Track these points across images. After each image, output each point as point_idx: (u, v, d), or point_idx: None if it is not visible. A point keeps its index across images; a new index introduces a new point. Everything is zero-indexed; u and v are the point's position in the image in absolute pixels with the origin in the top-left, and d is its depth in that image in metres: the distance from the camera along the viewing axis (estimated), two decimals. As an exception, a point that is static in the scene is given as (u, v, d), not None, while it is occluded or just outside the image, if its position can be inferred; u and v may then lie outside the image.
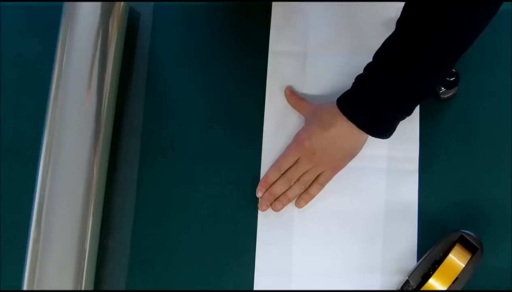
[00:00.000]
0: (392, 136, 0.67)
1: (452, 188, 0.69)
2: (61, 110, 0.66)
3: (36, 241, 0.63)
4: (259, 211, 0.68)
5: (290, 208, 0.68)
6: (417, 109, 0.70)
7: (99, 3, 0.70)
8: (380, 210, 0.68)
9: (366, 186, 0.69)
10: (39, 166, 0.65)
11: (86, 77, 0.68)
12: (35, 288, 0.62)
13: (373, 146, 0.69)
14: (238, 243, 0.68)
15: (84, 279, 0.63)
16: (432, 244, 0.66)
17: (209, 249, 0.68)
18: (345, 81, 0.71)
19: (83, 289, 0.63)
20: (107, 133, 0.69)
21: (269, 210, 0.68)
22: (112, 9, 0.71)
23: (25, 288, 0.62)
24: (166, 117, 0.73)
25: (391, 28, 0.70)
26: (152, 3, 0.77)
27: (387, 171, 0.69)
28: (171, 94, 0.73)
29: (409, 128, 0.70)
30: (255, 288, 0.66)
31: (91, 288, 0.65)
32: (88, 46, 0.69)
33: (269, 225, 0.68)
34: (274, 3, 0.74)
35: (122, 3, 0.73)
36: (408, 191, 0.68)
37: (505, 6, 0.74)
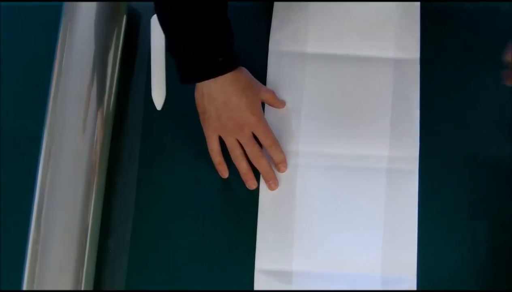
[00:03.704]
0: (392, 136, 0.67)
1: (452, 189, 0.69)
2: (61, 110, 0.67)
3: (36, 241, 0.63)
4: (259, 211, 0.68)
5: (291, 207, 0.68)
6: (417, 109, 0.70)
7: (99, 3, 0.70)
8: (380, 210, 0.68)
9: (366, 186, 0.69)
10: (39, 165, 0.65)
11: (86, 77, 0.68)
12: (35, 288, 0.62)
13: (373, 146, 0.69)
14: (238, 243, 0.68)
15: (84, 279, 0.63)
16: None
17: (209, 249, 0.68)
18: (346, 82, 0.71)
19: (83, 289, 0.63)
20: (107, 133, 0.69)
21: (269, 212, 0.68)
22: (112, 9, 0.71)
23: (25, 288, 0.62)
24: (166, 117, 0.73)
25: (393, 28, 0.70)
26: (152, 3, 0.77)
27: (387, 171, 0.69)
28: (171, 94, 0.73)
29: (409, 128, 0.70)
30: (255, 288, 0.66)
31: (91, 288, 0.65)
32: (88, 46, 0.69)
33: (269, 225, 0.68)
34: (275, 3, 0.74)
35: (122, 3, 0.73)
36: (408, 191, 0.68)
37: (505, 6, 0.74)
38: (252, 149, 0.67)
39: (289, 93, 0.72)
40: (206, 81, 0.65)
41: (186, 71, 0.66)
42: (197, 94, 0.67)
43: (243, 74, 0.67)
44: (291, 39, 0.73)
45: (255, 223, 0.68)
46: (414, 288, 0.65)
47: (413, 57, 0.72)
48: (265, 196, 0.69)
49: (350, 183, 0.69)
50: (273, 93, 0.70)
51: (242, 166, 0.68)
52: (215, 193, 0.70)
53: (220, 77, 0.65)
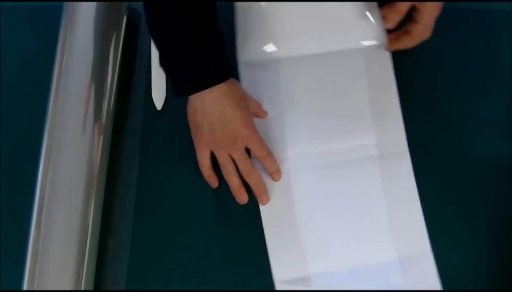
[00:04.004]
0: (376, 123, 0.69)
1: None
2: (61, 110, 0.67)
3: (36, 241, 0.63)
4: (263, 223, 0.68)
5: (292, 212, 0.68)
6: (395, 92, 0.71)
7: (99, 3, 0.70)
8: (380, 196, 0.68)
9: (361, 176, 0.69)
10: (39, 166, 0.65)
11: (86, 77, 0.68)
12: (35, 288, 0.62)
13: (360, 136, 0.70)
14: (238, 242, 0.68)
15: (84, 279, 0.63)
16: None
17: (209, 248, 0.68)
18: (321, 79, 0.72)
19: (83, 289, 0.63)
20: (107, 134, 0.69)
21: (273, 222, 0.68)
22: (112, 9, 0.71)
23: (25, 288, 0.62)
24: (166, 117, 0.73)
25: (356, 18, 0.72)
26: (152, 3, 0.77)
27: (378, 157, 0.69)
28: (171, 94, 0.73)
29: (391, 112, 0.70)
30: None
31: (91, 288, 0.65)
32: (88, 46, 0.69)
33: (276, 235, 0.67)
34: (237, 11, 0.73)
35: (122, 3, 0.73)
36: (403, 172, 0.69)
37: (505, 6, 0.74)
38: (244, 164, 0.67)
39: (267, 102, 0.71)
40: (200, 94, 0.64)
41: (178, 83, 0.65)
42: (190, 109, 0.66)
43: (236, 85, 0.67)
44: (259, 48, 0.72)
45: (254, 222, 0.68)
46: (433, 262, 0.65)
47: (381, 42, 0.73)
48: (265, 208, 0.68)
49: (345, 176, 0.69)
50: (259, 104, 0.70)
51: (234, 181, 0.67)
52: (214, 193, 0.70)
53: (215, 88, 0.64)
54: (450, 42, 0.73)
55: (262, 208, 0.68)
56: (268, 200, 0.68)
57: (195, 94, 0.64)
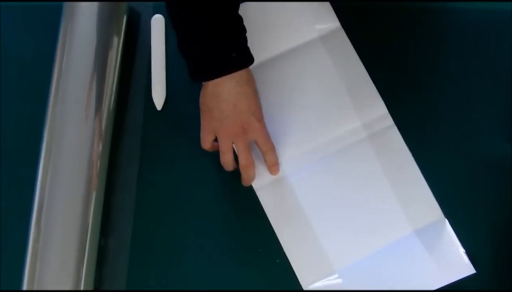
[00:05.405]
0: (356, 106, 0.70)
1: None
2: (61, 110, 0.67)
3: (36, 241, 0.63)
4: (277, 234, 0.68)
5: (301, 215, 0.68)
6: (364, 70, 0.72)
7: (99, 3, 0.70)
8: (380, 174, 0.68)
9: (357, 160, 0.69)
10: (39, 165, 0.65)
11: (86, 77, 0.68)
12: (35, 288, 0.62)
13: (344, 123, 0.70)
14: (238, 241, 0.68)
15: (84, 279, 0.63)
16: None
17: (209, 248, 0.68)
18: (291, 78, 0.72)
19: (83, 289, 0.63)
20: (107, 133, 0.69)
21: (286, 230, 0.68)
22: (112, 9, 0.71)
23: (25, 288, 0.62)
24: (166, 117, 0.73)
25: (304, 11, 0.72)
26: (152, 3, 0.77)
27: (368, 137, 0.70)
28: (171, 93, 0.73)
29: (366, 91, 0.71)
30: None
31: (91, 288, 0.65)
32: (88, 46, 0.69)
33: (292, 242, 0.67)
34: None
35: (122, 3, 0.73)
36: (395, 145, 0.69)
37: (505, 6, 0.74)
38: (246, 157, 0.66)
39: None
40: (220, 80, 0.63)
41: (197, 68, 0.64)
42: (205, 92, 0.65)
43: (253, 77, 0.66)
44: None
45: (253, 221, 0.68)
46: (447, 225, 0.67)
47: (335, 27, 0.74)
48: (276, 218, 0.68)
49: (341, 165, 0.69)
50: None
51: (229, 170, 0.68)
52: (214, 192, 0.70)
53: (235, 76, 0.63)
54: (450, 42, 0.73)
55: (272, 219, 0.68)
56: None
57: (215, 80, 0.64)
